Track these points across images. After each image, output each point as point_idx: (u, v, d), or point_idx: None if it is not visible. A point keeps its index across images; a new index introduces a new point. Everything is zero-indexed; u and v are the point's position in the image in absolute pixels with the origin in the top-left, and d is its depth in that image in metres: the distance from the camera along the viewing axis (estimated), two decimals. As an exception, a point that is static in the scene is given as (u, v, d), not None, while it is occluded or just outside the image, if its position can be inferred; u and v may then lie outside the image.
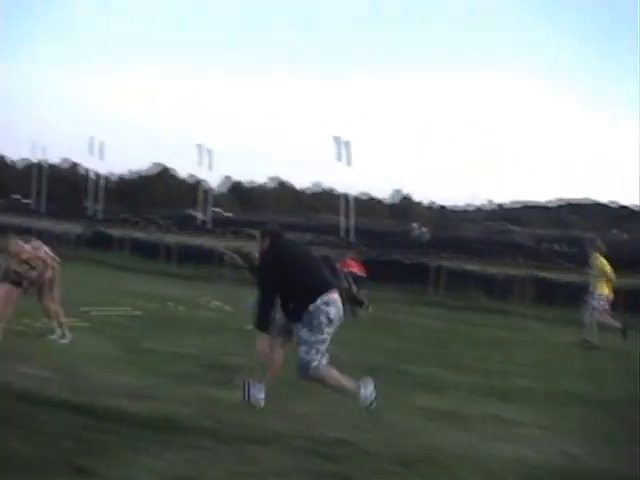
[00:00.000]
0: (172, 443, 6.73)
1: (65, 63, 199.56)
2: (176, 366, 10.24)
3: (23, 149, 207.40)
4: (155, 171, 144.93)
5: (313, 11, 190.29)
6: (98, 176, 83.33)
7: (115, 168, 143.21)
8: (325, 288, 7.46)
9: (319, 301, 7.32)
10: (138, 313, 14.96)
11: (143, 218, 61.24)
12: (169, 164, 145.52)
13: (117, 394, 8.32)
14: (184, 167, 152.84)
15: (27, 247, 11.34)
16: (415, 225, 76.16)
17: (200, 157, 64.34)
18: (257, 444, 6.81)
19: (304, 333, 7.38)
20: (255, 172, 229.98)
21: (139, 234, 34.88)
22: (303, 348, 7.40)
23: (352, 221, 51.53)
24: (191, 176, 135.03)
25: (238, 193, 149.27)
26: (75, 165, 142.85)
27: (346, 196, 57.56)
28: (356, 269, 19.06)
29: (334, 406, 8.37)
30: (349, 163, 52.81)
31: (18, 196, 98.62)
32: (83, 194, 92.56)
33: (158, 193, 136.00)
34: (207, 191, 71.92)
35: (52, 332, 11.67)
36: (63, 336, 11.57)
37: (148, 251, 29.47)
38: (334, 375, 7.54)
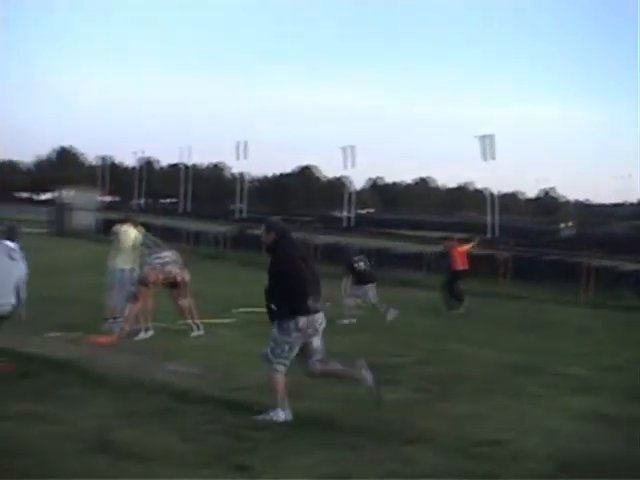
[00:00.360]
0: (325, 441, 6.75)
1: (217, 71, 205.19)
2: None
3: (172, 153, 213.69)
4: (299, 171, 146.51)
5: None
6: (243, 177, 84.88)
7: (259, 169, 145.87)
8: (308, 310, 7.62)
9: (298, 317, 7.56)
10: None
11: (290, 218, 62.07)
12: (313, 164, 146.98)
13: (269, 392, 8.42)
14: (327, 167, 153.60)
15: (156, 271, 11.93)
16: (563, 224, 74.24)
17: (345, 157, 64.45)
18: (412, 444, 6.75)
19: (274, 331, 7.65)
20: (398, 170, 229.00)
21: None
22: (270, 343, 7.69)
23: (497, 218, 50.60)
24: (335, 176, 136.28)
25: (380, 191, 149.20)
26: (218, 166, 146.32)
27: (491, 193, 56.62)
28: (460, 264, 18.61)
29: (487, 408, 8.28)
30: (493, 159, 51.90)
31: (168, 199, 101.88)
32: (228, 195, 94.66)
33: (302, 193, 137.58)
34: (350, 190, 72.02)
35: (192, 329, 12.00)
36: (198, 331, 12.05)
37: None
38: (280, 383, 7.65)
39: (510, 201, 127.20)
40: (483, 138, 52.14)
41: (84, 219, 39.89)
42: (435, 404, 8.53)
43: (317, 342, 7.79)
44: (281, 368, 7.67)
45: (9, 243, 8.91)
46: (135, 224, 12.89)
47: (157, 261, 12.03)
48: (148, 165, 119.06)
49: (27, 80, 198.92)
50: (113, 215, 44.81)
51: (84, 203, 41.18)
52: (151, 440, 6.50)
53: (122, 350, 10.46)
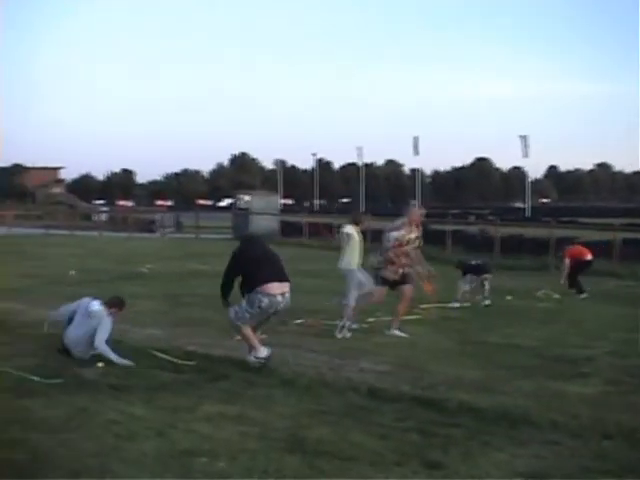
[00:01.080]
0: (519, 437, 6.66)
1: (385, 69, 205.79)
2: (516, 358, 10.13)
3: (345, 153, 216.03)
4: (474, 164, 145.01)
5: None
6: (418, 173, 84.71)
7: (433, 164, 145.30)
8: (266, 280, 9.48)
9: (258, 289, 9.40)
10: (467, 305, 14.98)
11: (465, 211, 61.50)
12: (489, 156, 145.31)
13: (460, 388, 8.37)
14: (503, 158, 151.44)
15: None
16: None
17: (523, 147, 63.22)
18: (609, 439, 6.57)
19: (244, 302, 9.49)
20: (575, 158, 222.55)
21: (465, 227, 34.91)
22: (236, 306, 9.56)
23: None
24: (511, 167, 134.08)
25: (556, 180, 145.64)
26: (392, 163, 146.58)
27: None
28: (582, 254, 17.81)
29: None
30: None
31: (344, 199, 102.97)
32: (403, 192, 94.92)
33: (477, 186, 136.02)
34: (527, 181, 70.58)
35: (388, 328, 11.99)
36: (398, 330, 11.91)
37: (473, 244, 29.41)
38: (247, 332, 9.48)
39: None
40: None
41: (265, 223, 40.77)
42: (630, 397, 8.23)
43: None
44: (241, 324, 9.46)
45: (94, 304, 9.88)
46: (359, 224, 13.01)
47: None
48: (323, 166, 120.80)
49: (200, 90, 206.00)
50: (289, 218, 45.85)
51: (264, 207, 42.04)
52: (343, 438, 6.59)
53: (311, 350, 10.60)
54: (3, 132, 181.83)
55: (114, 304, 10.03)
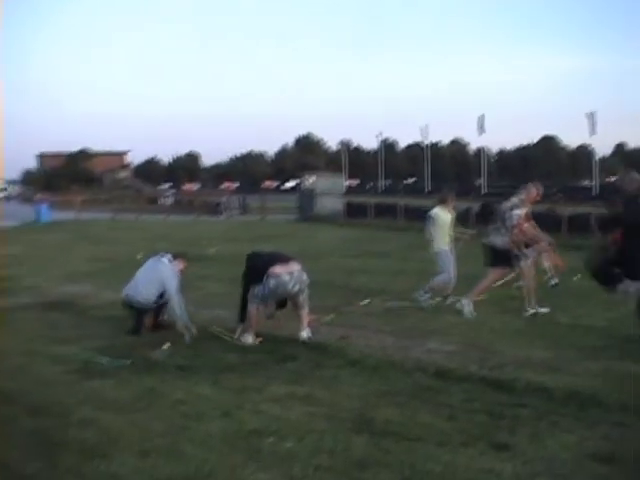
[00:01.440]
0: (588, 419, 6.58)
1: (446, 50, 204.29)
2: (585, 338, 9.96)
3: (410, 133, 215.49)
4: (540, 142, 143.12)
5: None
6: (484, 152, 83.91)
7: (498, 143, 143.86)
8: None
9: (265, 275, 9.91)
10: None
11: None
12: (555, 133, 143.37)
13: (528, 368, 8.28)
14: (570, 136, 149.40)
15: None
16: None
17: (590, 124, 61.95)
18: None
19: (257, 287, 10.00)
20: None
21: (532, 207, 34.45)
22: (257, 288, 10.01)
23: None
24: (578, 144, 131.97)
25: (624, 157, 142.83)
26: (457, 142, 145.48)
27: None
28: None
29: None
30: None
31: (410, 179, 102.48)
32: (469, 171, 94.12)
33: (543, 164, 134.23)
34: (594, 159, 69.32)
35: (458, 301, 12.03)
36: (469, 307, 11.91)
37: (540, 223, 29.02)
38: (253, 312, 9.99)
39: None
40: None
41: (330, 204, 40.79)
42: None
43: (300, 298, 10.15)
44: (255, 304, 9.97)
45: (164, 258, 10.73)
46: (448, 204, 13.05)
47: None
48: (388, 146, 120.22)
49: (264, 71, 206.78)
50: (354, 199, 45.76)
51: (329, 188, 42.03)
52: (411, 419, 6.59)
53: (378, 330, 10.58)
54: (69, 118, 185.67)
55: (179, 255, 11.04)
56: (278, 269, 9.92)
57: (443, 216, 12.79)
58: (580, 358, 8.77)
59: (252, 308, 10.00)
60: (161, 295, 10.36)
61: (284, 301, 10.37)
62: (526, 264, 12.00)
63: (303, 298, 10.15)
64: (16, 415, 6.79)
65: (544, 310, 11.80)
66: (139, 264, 11.06)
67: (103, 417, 6.70)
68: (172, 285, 10.25)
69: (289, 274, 9.94)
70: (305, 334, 10.08)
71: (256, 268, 10.10)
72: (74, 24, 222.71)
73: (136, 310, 10.48)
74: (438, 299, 12.71)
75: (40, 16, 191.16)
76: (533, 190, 12.22)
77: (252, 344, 9.78)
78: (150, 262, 10.80)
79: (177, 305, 10.10)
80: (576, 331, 10.49)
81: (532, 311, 11.77)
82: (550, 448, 5.87)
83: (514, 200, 12.02)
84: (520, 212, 11.93)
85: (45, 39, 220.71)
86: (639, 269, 9.62)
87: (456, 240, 13.25)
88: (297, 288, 10.01)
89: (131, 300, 10.46)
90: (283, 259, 10.20)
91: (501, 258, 11.93)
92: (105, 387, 7.73)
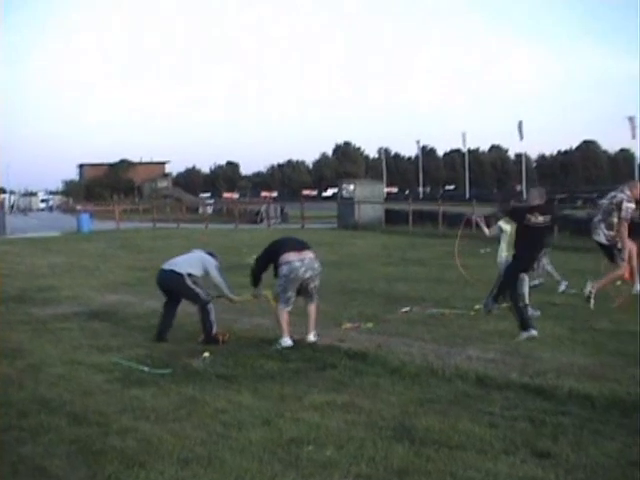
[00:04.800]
0: (632, 426, 6.49)
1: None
2: (628, 345, 9.77)
3: (449, 140, 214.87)
4: (580, 147, 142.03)
5: None
6: (524, 158, 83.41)
7: (538, 149, 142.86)
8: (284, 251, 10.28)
9: (278, 262, 10.20)
10: (572, 291, 14.57)
11: (571, 195, 60.23)
12: (595, 138, 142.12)
13: (570, 375, 8.18)
14: (610, 140, 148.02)
15: None
16: None
17: (631, 128, 61.29)
18: None
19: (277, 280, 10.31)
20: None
21: (573, 212, 34.15)
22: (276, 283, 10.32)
23: None
24: (619, 149, 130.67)
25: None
26: (497, 149, 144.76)
27: None
28: None
29: None
30: None
31: (450, 186, 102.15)
32: (509, 177, 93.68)
33: (583, 169, 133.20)
34: (636, 163, 68.58)
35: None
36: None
37: (580, 229, 28.78)
38: (282, 317, 10.15)
39: None
40: None
41: (369, 211, 40.74)
42: None
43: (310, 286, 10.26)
44: (282, 306, 10.13)
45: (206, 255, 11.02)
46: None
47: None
48: (427, 153, 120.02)
49: (302, 79, 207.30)
50: (394, 206, 45.62)
51: (368, 195, 41.94)
52: (451, 427, 6.54)
53: (418, 337, 10.53)
54: (108, 130, 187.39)
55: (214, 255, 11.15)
56: (290, 256, 10.14)
57: (509, 229, 12.69)
58: (623, 365, 8.66)
59: (281, 314, 10.15)
60: (191, 275, 10.64)
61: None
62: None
63: (314, 286, 10.28)
64: (57, 424, 6.84)
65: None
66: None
67: (143, 426, 6.73)
68: (212, 265, 10.71)
69: (300, 261, 10.13)
70: (312, 337, 10.20)
71: (269, 251, 10.47)
72: (120, 39, 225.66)
73: (167, 294, 10.86)
74: (477, 307, 12.61)
75: (87, 29, 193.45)
76: (638, 186, 12.40)
77: (288, 345, 9.93)
78: (190, 252, 11.23)
79: (221, 281, 10.71)
80: (619, 337, 10.36)
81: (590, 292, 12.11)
82: (593, 456, 5.79)
83: (621, 195, 12.07)
84: (633, 206, 12.05)
85: (91, 57, 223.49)
86: None
87: None
88: (309, 274, 10.13)
89: (165, 272, 10.78)
90: (297, 247, 10.39)
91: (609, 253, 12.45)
92: (145, 396, 7.76)
